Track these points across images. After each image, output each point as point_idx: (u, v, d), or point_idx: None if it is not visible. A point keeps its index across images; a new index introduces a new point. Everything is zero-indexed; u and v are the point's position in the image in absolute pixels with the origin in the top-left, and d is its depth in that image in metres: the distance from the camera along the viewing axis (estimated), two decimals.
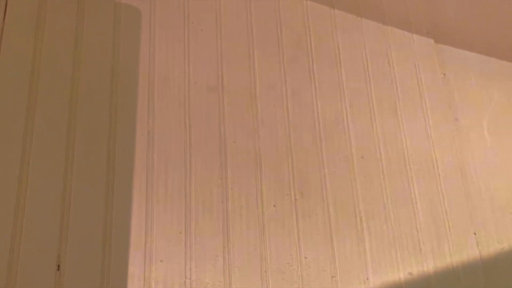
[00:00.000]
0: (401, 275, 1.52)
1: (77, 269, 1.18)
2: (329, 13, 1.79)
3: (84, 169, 1.26)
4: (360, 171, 1.60)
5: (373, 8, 1.89)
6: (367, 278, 1.47)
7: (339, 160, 1.58)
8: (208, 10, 1.59)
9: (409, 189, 1.65)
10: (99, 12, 1.43)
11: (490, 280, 1.65)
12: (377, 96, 1.75)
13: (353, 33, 1.81)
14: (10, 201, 1.17)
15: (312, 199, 1.49)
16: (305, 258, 1.42)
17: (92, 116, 1.33)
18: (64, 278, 1.16)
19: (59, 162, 1.25)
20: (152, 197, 1.31)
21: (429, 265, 1.57)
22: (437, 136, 1.79)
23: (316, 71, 1.68)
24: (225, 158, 1.43)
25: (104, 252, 1.21)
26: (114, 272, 1.21)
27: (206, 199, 1.37)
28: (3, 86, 1.27)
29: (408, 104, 1.79)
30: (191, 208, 1.34)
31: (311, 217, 1.47)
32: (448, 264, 1.61)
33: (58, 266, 1.17)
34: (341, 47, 1.76)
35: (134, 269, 1.23)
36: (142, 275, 1.24)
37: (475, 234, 1.70)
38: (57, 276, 1.16)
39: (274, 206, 1.44)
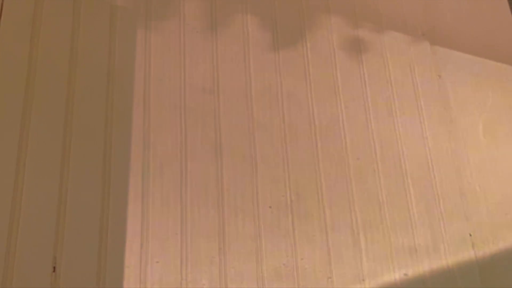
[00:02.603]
0: (396, 276, 1.52)
1: (73, 271, 1.18)
2: (325, 15, 1.79)
3: (80, 171, 1.27)
4: (356, 172, 1.60)
5: (369, 10, 1.90)
6: (363, 279, 1.47)
7: (334, 162, 1.59)
8: (203, 12, 1.60)
9: (404, 190, 1.66)
10: (95, 15, 1.44)
11: (485, 280, 1.65)
12: (372, 98, 1.75)
13: (349, 35, 1.82)
14: (6, 203, 1.18)
15: (308, 201, 1.50)
16: (301, 259, 1.42)
17: (88, 118, 1.33)
18: (59, 280, 1.16)
19: (55, 164, 1.25)
20: (148, 199, 1.31)
21: (424, 266, 1.58)
22: (432, 137, 1.80)
23: (311, 73, 1.68)
24: (220, 160, 1.44)
25: (100, 254, 1.21)
26: (110, 273, 1.21)
27: (202, 200, 1.37)
28: None
29: (404, 106, 1.80)
30: (187, 209, 1.34)
31: (306, 218, 1.47)
32: (443, 265, 1.61)
33: (54, 267, 1.17)
34: (337, 49, 1.76)
35: (130, 270, 1.23)
36: (138, 276, 1.24)
37: (470, 235, 1.70)
38: (53, 277, 1.16)
39: (270, 207, 1.44)
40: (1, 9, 1.33)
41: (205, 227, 1.35)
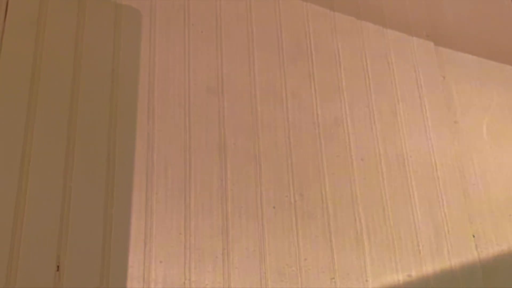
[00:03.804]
0: (400, 277, 1.52)
1: (77, 270, 1.18)
2: (329, 15, 1.79)
3: (84, 170, 1.27)
4: (360, 173, 1.60)
5: (373, 10, 1.89)
6: (366, 280, 1.47)
7: (338, 162, 1.59)
8: (208, 12, 1.60)
9: (408, 191, 1.66)
10: (100, 14, 1.44)
11: (489, 282, 1.65)
12: (376, 99, 1.75)
13: (353, 36, 1.82)
14: (10, 201, 1.18)
15: (312, 201, 1.50)
16: (305, 259, 1.42)
17: (93, 117, 1.33)
18: (63, 279, 1.16)
19: (59, 163, 1.25)
20: (152, 198, 1.31)
21: (428, 267, 1.58)
22: (436, 138, 1.80)
23: (316, 73, 1.68)
24: (224, 160, 1.43)
25: (103, 253, 1.22)
26: (113, 272, 1.21)
27: (206, 200, 1.37)
28: (4, 88, 1.27)
29: (408, 107, 1.80)
30: (190, 209, 1.34)
31: (310, 218, 1.47)
32: (447, 266, 1.61)
33: (58, 266, 1.17)
34: (341, 49, 1.76)
35: (134, 269, 1.23)
36: (142, 276, 1.24)
37: (474, 236, 1.70)
38: (57, 276, 1.16)
39: (274, 207, 1.44)
40: (6, 8, 1.33)
41: (208, 227, 1.35)
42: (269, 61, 1.62)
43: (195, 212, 1.35)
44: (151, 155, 1.36)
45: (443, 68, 1.95)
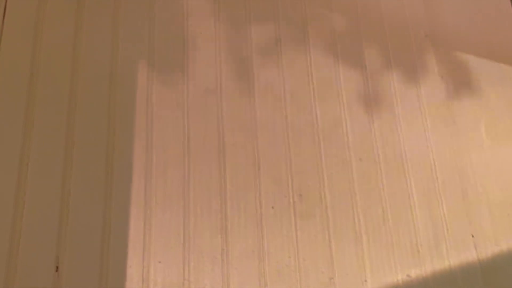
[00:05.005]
0: (399, 277, 1.52)
1: (76, 271, 1.18)
2: (327, 15, 1.79)
3: (82, 171, 1.27)
4: (358, 173, 1.60)
5: (371, 11, 1.89)
6: (365, 280, 1.47)
7: (337, 162, 1.59)
8: (207, 12, 1.60)
9: (407, 191, 1.66)
10: (98, 14, 1.44)
11: (488, 282, 1.65)
12: (375, 99, 1.75)
13: (351, 36, 1.82)
14: (9, 202, 1.18)
15: (311, 201, 1.50)
16: (304, 260, 1.42)
17: (91, 117, 1.33)
18: (62, 280, 1.17)
19: (58, 164, 1.25)
20: (150, 199, 1.31)
21: (427, 267, 1.58)
22: (435, 138, 1.80)
23: (314, 73, 1.68)
24: (223, 160, 1.44)
25: (102, 254, 1.22)
26: (112, 273, 1.21)
27: (205, 200, 1.37)
28: (2, 88, 1.27)
29: (406, 107, 1.80)
30: (189, 210, 1.34)
31: (309, 219, 1.47)
32: (446, 266, 1.61)
33: (57, 267, 1.17)
34: (339, 49, 1.76)
35: (133, 270, 1.24)
36: (141, 276, 1.24)
37: (473, 236, 1.70)
38: (56, 277, 1.16)
39: (273, 207, 1.44)
40: (5, 9, 1.33)
41: (207, 228, 1.35)
42: (267, 61, 1.62)
43: (194, 213, 1.35)
44: (150, 156, 1.36)
45: (442, 67, 1.95)
